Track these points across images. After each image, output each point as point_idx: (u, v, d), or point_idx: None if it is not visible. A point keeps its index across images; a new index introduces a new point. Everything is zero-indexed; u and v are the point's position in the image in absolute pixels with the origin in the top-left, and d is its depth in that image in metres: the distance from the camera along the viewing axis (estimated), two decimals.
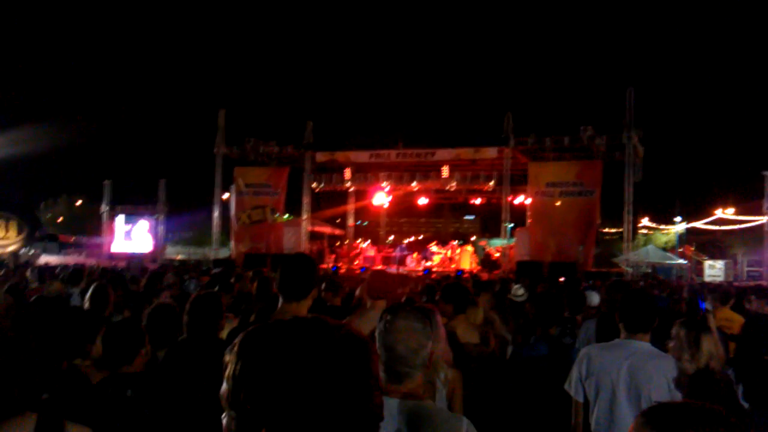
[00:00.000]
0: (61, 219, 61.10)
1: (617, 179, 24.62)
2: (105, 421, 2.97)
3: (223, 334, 4.13)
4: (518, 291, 8.63)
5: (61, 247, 37.39)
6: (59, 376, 2.96)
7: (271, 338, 1.12)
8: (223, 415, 1.13)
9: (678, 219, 44.43)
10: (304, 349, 1.09)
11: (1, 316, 4.78)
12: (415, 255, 30.20)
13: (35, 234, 36.83)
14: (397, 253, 29.90)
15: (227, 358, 1.14)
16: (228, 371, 1.13)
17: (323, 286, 6.82)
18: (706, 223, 45.11)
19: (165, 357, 3.81)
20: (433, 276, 18.86)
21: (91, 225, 39.12)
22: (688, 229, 45.20)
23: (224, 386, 1.13)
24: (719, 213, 44.29)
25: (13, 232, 34.88)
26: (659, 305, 4.80)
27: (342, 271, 20.23)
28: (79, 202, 61.22)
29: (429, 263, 27.88)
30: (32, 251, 34.01)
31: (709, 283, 20.39)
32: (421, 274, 21.24)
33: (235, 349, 1.14)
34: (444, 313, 4.45)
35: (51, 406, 2.65)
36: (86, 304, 5.33)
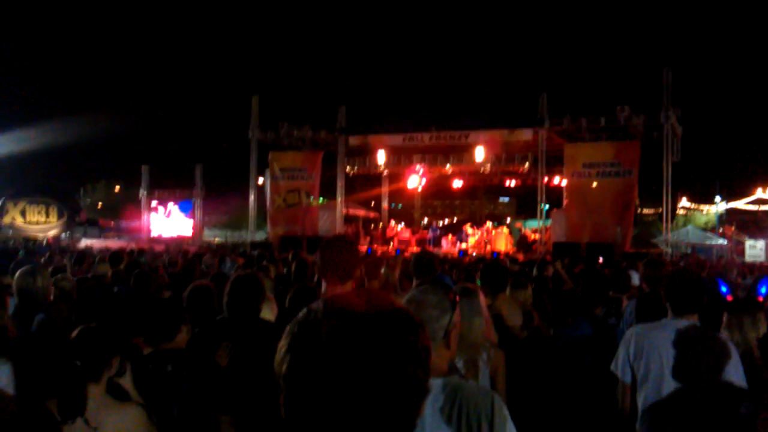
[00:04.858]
0: (100, 204, 62.22)
1: (655, 159, 24.27)
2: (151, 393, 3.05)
3: (265, 314, 4.16)
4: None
5: (101, 232, 38.04)
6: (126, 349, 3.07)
7: (326, 317, 1.10)
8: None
9: (718, 199, 43.63)
10: (358, 326, 1.09)
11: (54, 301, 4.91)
12: (450, 237, 30.09)
13: (75, 219, 37.52)
14: (431, 234, 29.82)
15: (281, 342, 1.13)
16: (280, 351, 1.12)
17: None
18: (747, 203, 44.31)
19: (198, 335, 3.87)
20: (468, 258, 18.81)
21: (130, 209, 39.73)
22: (727, 209, 44.42)
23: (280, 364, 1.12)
24: (759, 193, 43.46)
25: (53, 217, 35.67)
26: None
27: (378, 253, 20.27)
28: (118, 188, 62.33)
29: (464, 245, 27.75)
30: (73, 235, 34.68)
31: (751, 263, 19.99)
32: (456, 255, 21.18)
33: (289, 329, 1.13)
34: (484, 293, 4.41)
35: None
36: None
